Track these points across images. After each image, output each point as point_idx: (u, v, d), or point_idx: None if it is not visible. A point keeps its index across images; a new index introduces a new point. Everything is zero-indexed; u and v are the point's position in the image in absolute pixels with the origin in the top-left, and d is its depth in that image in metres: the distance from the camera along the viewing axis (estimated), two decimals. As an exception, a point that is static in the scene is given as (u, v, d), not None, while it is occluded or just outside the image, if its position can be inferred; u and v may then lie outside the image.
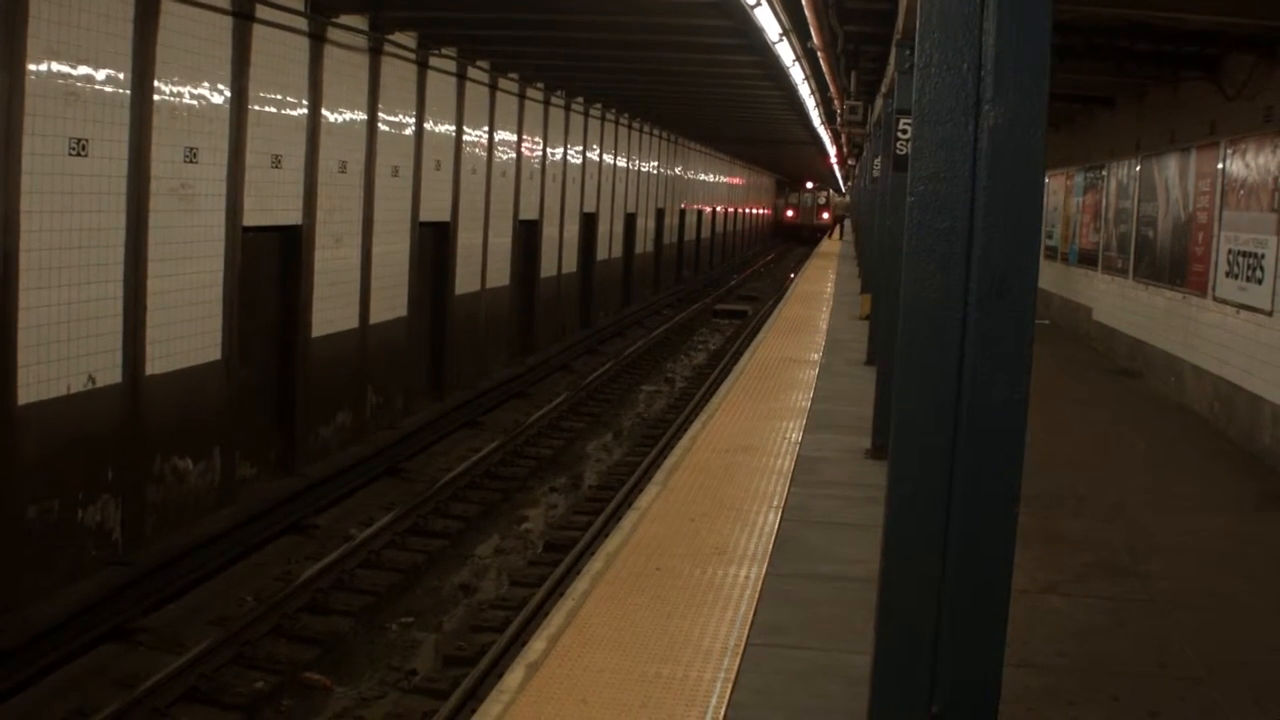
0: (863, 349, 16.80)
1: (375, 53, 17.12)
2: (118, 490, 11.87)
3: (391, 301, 18.46)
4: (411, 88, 18.72)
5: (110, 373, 11.73)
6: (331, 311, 16.44)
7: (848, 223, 67.38)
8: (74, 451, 11.25)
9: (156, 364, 12.42)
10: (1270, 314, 11.27)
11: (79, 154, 11.03)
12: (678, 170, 45.18)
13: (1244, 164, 12.16)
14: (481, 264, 22.84)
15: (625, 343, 29.99)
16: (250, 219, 14.05)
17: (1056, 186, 22.51)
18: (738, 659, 6.04)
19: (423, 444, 17.70)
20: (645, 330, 32.57)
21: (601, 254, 33.33)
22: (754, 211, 75.51)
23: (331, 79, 15.78)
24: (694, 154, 48.34)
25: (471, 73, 21.23)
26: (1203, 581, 7.30)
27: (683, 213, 47.22)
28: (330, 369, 16.37)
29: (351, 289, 17.12)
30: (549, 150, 27.25)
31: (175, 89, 12.47)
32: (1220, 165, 12.88)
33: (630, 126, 35.67)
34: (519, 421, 19.23)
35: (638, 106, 33.19)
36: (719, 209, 58.51)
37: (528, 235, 26.21)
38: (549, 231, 27.76)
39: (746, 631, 6.42)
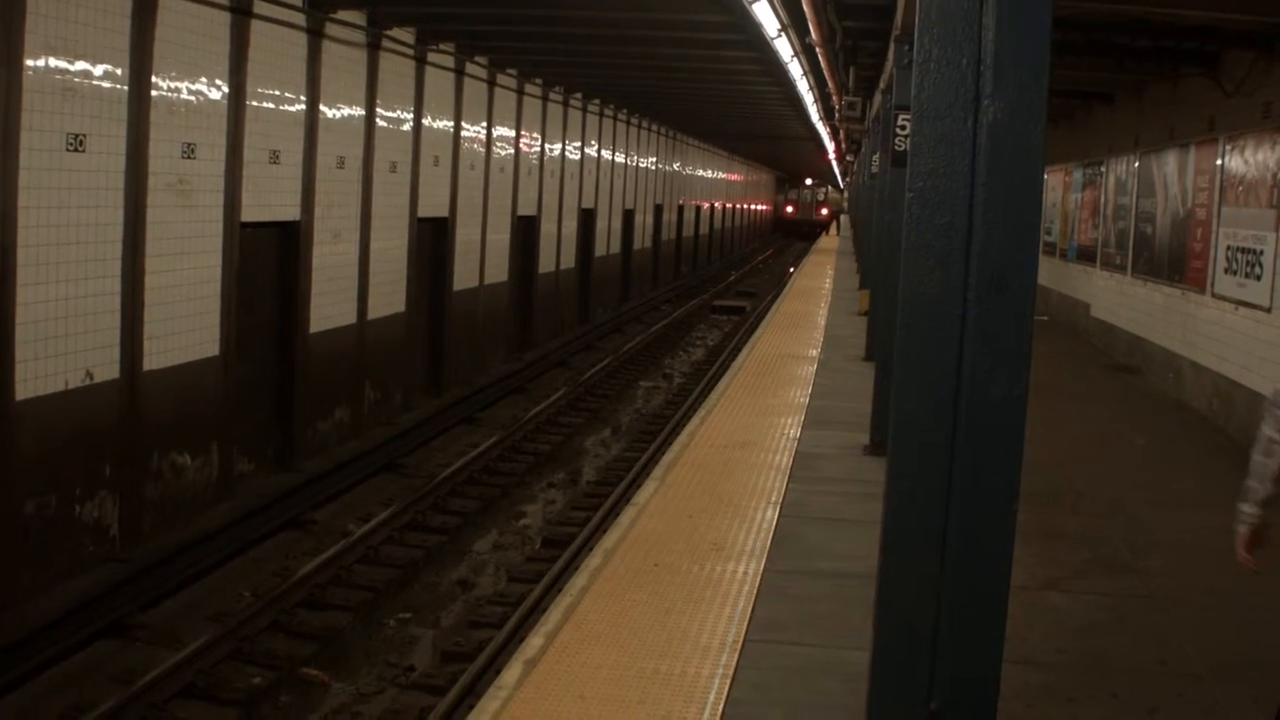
0: (861, 345, 16.80)
1: (373, 48, 17.10)
2: (115, 486, 11.86)
3: (389, 297, 18.44)
4: (410, 83, 18.70)
5: (108, 368, 11.72)
6: (329, 307, 16.42)
7: (844, 219, 67.78)
8: (72, 447, 11.24)
9: (154, 359, 12.40)
10: (1269, 310, 11.26)
11: (76, 150, 11.01)
12: (676, 166, 45.16)
13: (1243, 160, 12.15)
14: (480, 260, 22.82)
15: (624, 338, 29.98)
16: (248, 215, 14.04)
17: (1055, 182, 22.50)
18: (736, 655, 6.04)
19: (421, 439, 17.69)
20: (644, 326, 32.55)
21: (600, 250, 33.32)
22: (753, 207, 76.55)
23: (329, 74, 15.77)
24: (693, 150, 48.31)
25: (470, 68, 21.21)
26: (1202, 578, 7.29)
27: (681, 209, 47.20)
28: (328, 364, 16.36)
29: (349, 285, 17.10)
30: (547, 146, 27.23)
31: (173, 84, 12.45)
32: (1219, 161, 12.87)
33: (629, 122, 35.65)
34: (517, 417, 19.22)
35: (636, 102, 33.17)
36: (718, 205, 58.51)
37: (526, 231, 26.19)
38: (547, 227, 27.75)
39: (745, 628, 6.41)
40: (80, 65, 11.01)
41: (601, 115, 32.16)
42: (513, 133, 24.54)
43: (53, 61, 10.64)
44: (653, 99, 31.16)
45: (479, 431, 18.57)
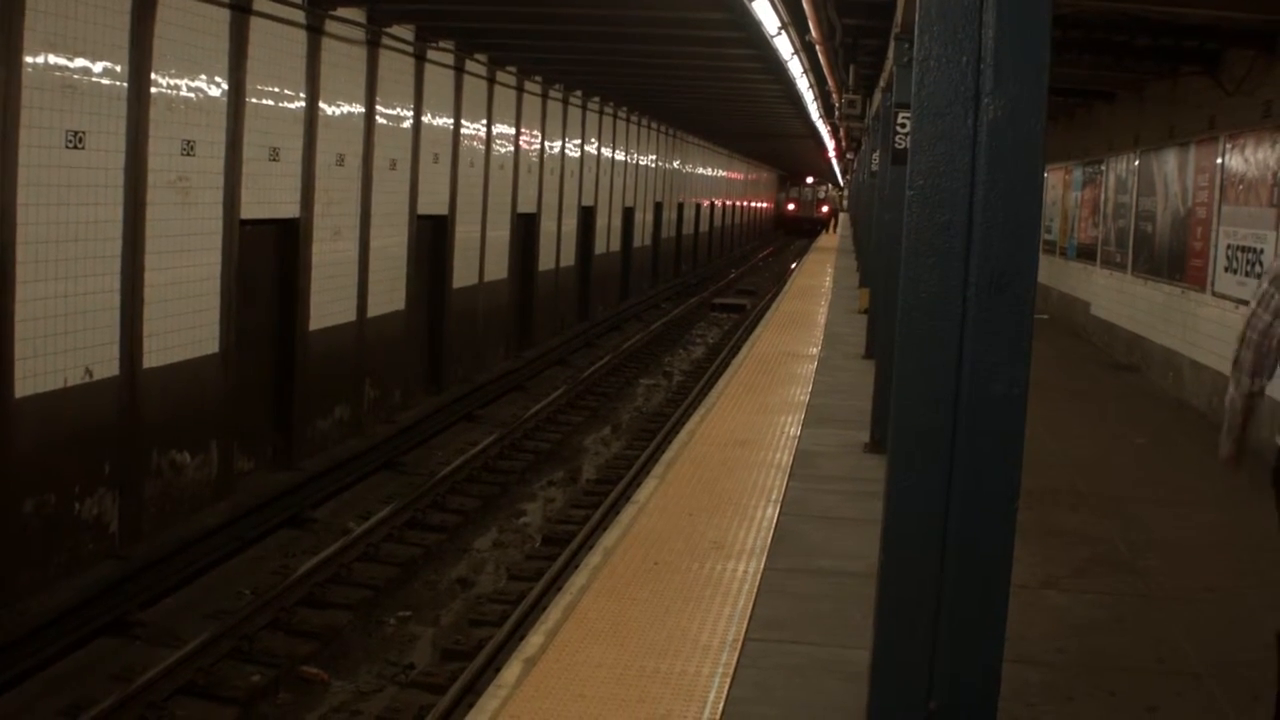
0: (861, 343, 16.80)
1: (373, 45, 17.10)
2: (115, 484, 11.86)
3: (389, 295, 18.44)
4: (409, 81, 18.70)
5: (107, 366, 11.72)
6: (329, 305, 16.42)
7: (843, 216, 68.14)
8: (71, 445, 11.24)
9: (154, 357, 12.40)
10: (1269, 309, 11.23)
11: (76, 147, 11.01)
12: (676, 164, 45.16)
13: (1243, 159, 12.14)
14: (479, 257, 22.83)
15: (623, 336, 29.99)
16: (248, 212, 14.04)
17: (1055, 181, 22.49)
18: (736, 654, 6.03)
19: (420, 437, 17.69)
20: (643, 324, 32.56)
21: (599, 248, 33.32)
22: (754, 205, 77.41)
23: (329, 72, 15.76)
24: (693, 148, 48.32)
25: (470, 66, 21.21)
26: (1201, 577, 7.29)
27: (681, 206, 47.21)
28: (328, 362, 16.35)
29: (349, 282, 17.10)
30: (547, 144, 27.23)
31: (172, 82, 12.45)
32: (1219, 160, 12.86)
33: (629, 120, 35.65)
34: (517, 415, 19.22)
35: (636, 100, 33.17)
36: (718, 203, 58.54)
37: (526, 229, 26.19)
38: (547, 225, 27.75)
39: (745, 626, 6.41)
40: (80, 62, 11.01)
41: (601, 113, 32.17)
42: (512, 130, 24.53)
43: (52, 58, 10.64)
44: (653, 97, 31.16)
45: (479, 429, 18.57)
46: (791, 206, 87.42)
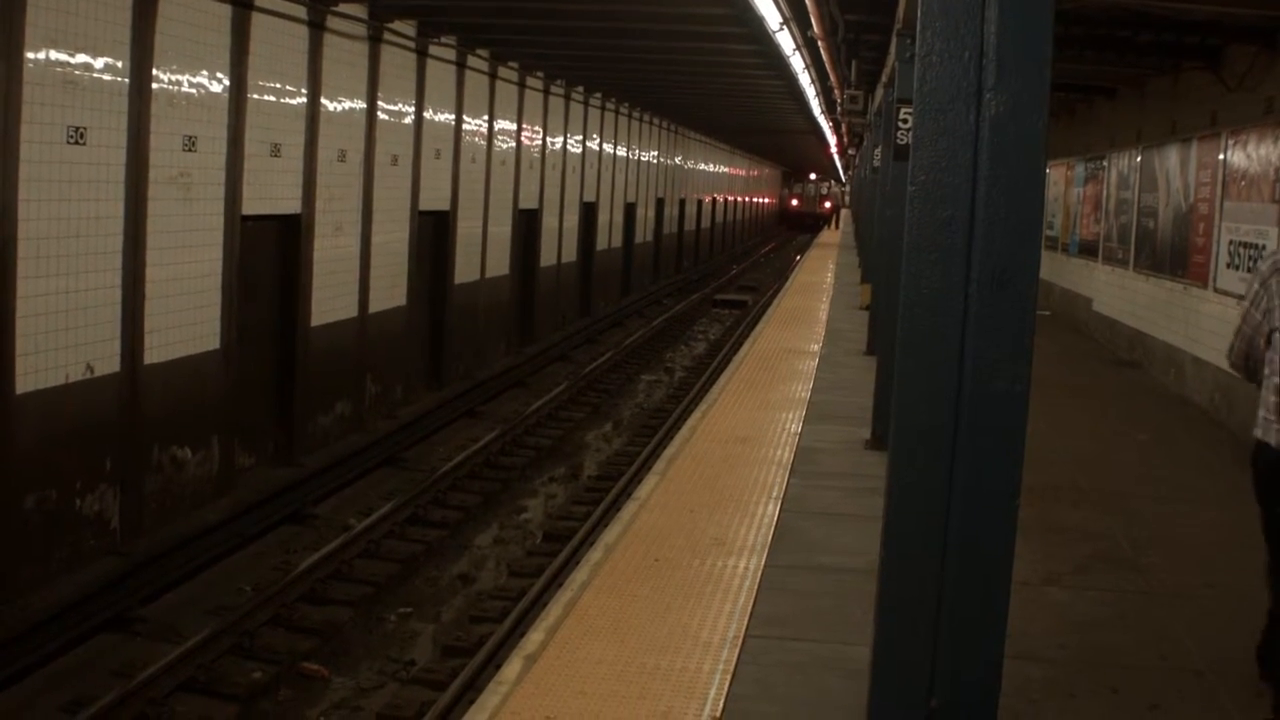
0: (863, 339, 16.78)
1: (374, 41, 17.09)
2: (116, 479, 11.86)
3: (391, 291, 18.43)
4: (411, 76, 18.69)
5: (108, 362, 11.71)
6: (330, 300, 16.42)
7: (844, 212, 68.50)
8: (72, 440, 11.24)
9: (155, 353, 12.40)
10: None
11: (77, 142, 11.00)
12: (678, 160, 45.15)
13: (1245, 155, 12.13)
14: (481, 253, 22.82)
15: (625, 333, 29.98)
16: (249, 208, 14.03)
17: (1057, 177, 22.47)
18: (736, 651, 6.02)
19: (422, 433, 17.69)
20: (645, 320, 32.56)
21: (601, 243, 33.32)
22: (757, 201, 78.15)
23: (331, 67, 15.75)
24: (695, 144, 48.31)
25: (471, 61, 21.19)
26: (1203, 573, 7.28)
27: (683, 202, 47.20)
28: (329, 358, 16.35)
29: (350, 278, 17.10)
30: (549, 139, 27.22)
31: (174, 77, 12.44)
32: (1221, 156, 12.84)
33: (630, 116, 35.64)
34: (518, 411, 19.21)
35: (638, 96, 33.16)
36: (720, 198, 58.55)
37: (527, 224, 26.19)
38: (549, 221, 27.75)
39: (745, 623, 6.40)
40: (81, 58, 11.00)
41: (603, 109, 32.15)
42: (514, 126, 24.52)
43: (53, 54, 10.63)
44: (654, 92, 31.15)
45: (480, 425, 18.56)
46: (795, 202, 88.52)
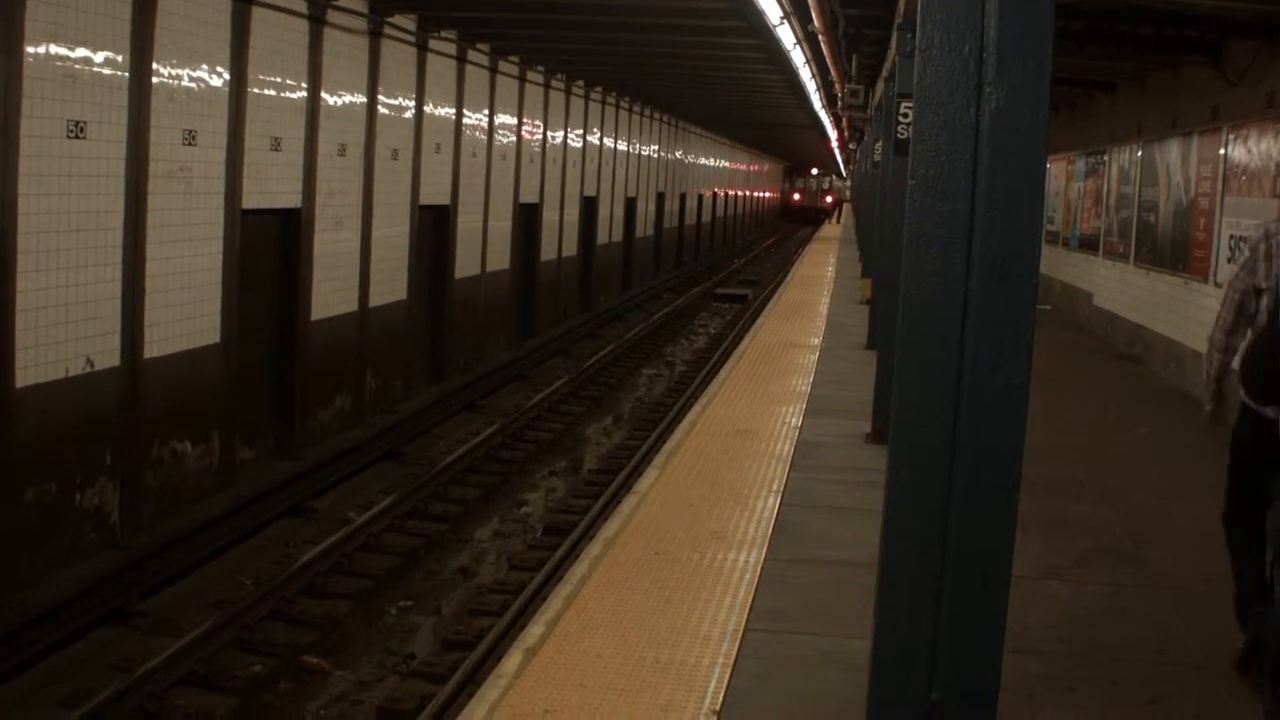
0: (863, 333, 16.78)
1: (375, 35, 17.08)
2: (116, 473, 11.86)
3: (391, 285, 18.43)
4: (411, 70, 18.68)
5: (108, 356, 11.71)
6: (331, 295, 16.42)
7: (845, 207, 68.89)
8: (72, 434, 11.24)
9: (155, 347, 12.40)
10: (1271, 299, 11.22)
11: (77, 136, 11.00)
12: (679, 155, 45.13)
13: (1246, 149, 12.12)
14: (481, 247, 22.82)
15: (625, 327, 29.97)
16: (249, 202, 14.02)
17: (1058, 171, 22.46)
18: (736, 644, 6.03)
19: (422, 427, 17.69)
20: (645, 314, 32.55)
21: (602, 238, 33.30)
22: (759, 195, 78.92)
23: (331, 62, 15.75)
24: (695, 139, 48.29)
25: (472, 56, 21.18)
26: (1203, 567, 7.26)
27: (683, 196, 47.18)
28: (329, 352, 16.35)
29: (351, 272, 17.09)
30: (549, 134, 27.21)
31: (174, 71, 12.43)
32: (1222, 151, 12.84)
33: (631, 110, 35.62)
34: (518, 405, 19.21)
35: (639, 90, 33.14)
36: (721, 193, 58.54)
37: (528, 219, 26.18)
38: (549, 215, 27.74)
39: (745, 617, 6.40)
40: (81, 52, 10.99)
41: (604, 103, 32.13)
42: (514, 120, 24.51)
43: (53, 48, 10.62)
44: (655, 87, 31.13)
45: (480, 419, 18.56)
46: (797, 196, 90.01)
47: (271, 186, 14.67)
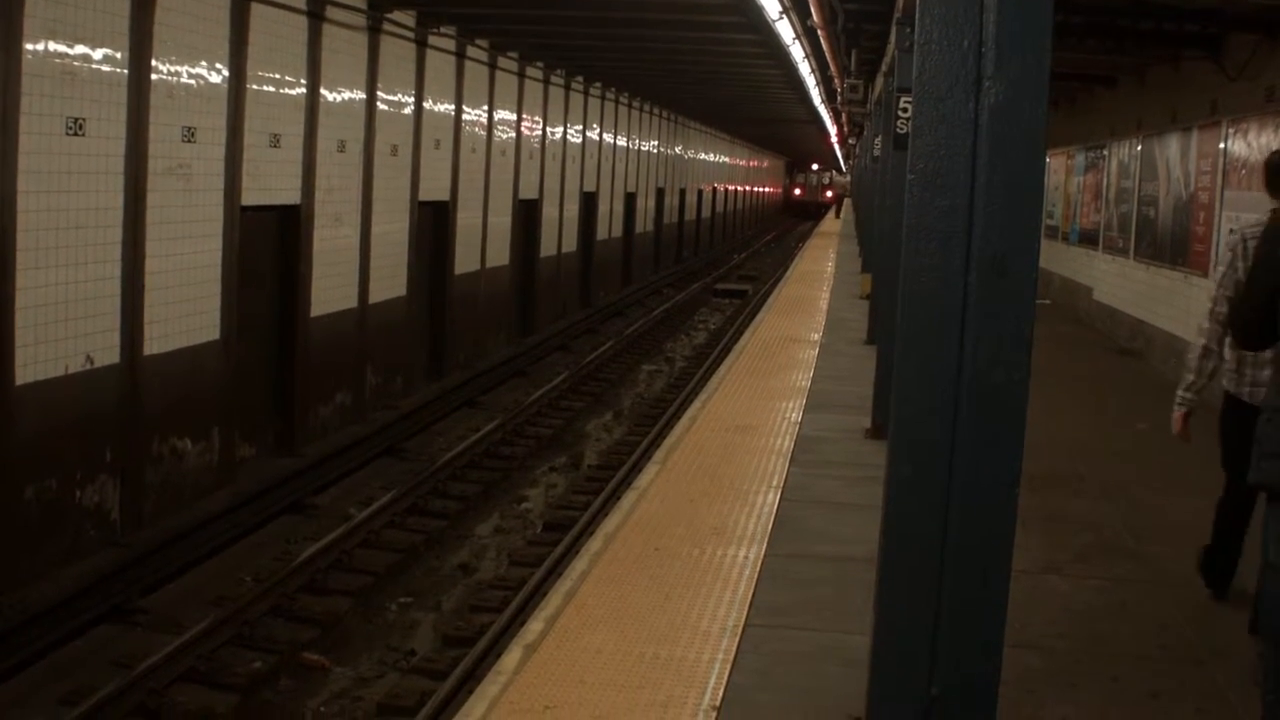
0: (863, 328, 16.78)
1: (374, 31, 17.06)
2: (116, 470, 11.86)
3: (390, 281, 18.43)
4: (410, 67, 18.67)
5: (108, 353, 11.70)
6: (330, 291, 16.41)
7: (846, 202, 69.30)
8: (72, 432, 11.23)
9: (154, 344, 12.39)
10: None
11: (76, 133, 10.99)
12: (678, 150, 45.12)
13: (1245, 144, 12.11)
14: (481, 243, 22.80)
15: (625, 322, 29.97)
16: (248, 198, 14.01)
17: (1057, 166, 22.45)
18: (736, 640, 6.02)
19: (422, 423, 17.69)
20: (645, 310, 32.54)
21: (601, 233, 33.30)
22: (760, 190, 79.86)
23: (330, 58, 15.73)
24: (695, 134, 48.28)
25: (471, 51, 21.17)
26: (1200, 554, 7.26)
27: (683, 192, 47.17)
28: (329, 349, 16.34)
29: (350, 268, 17.08)
30: (549, 129, 27.20)
31: (173, 68, 12.42)
32: (1222, 145, 12.83)
33: (630, 106, 35.60)
34: (518, 401, 19.21)
35: (638, 86, 33.13)
36: (721, 188, 58.55)
37: (527, 215, 26.17)
38: (549, 211, 27.73)
39: (745, 612, 6.40)
40: (80, 49, 10.98)
41: (603, 99, 32.12)
42: (514, 116, 24.50)
43: (52, 45, 10.61)
44: (654, 82, 31.10)
45: (480, 415, 18.56)
46: (798, 191, 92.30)
47: (271, 183, 14.66)
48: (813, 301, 22.20)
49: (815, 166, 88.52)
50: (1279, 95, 11.41)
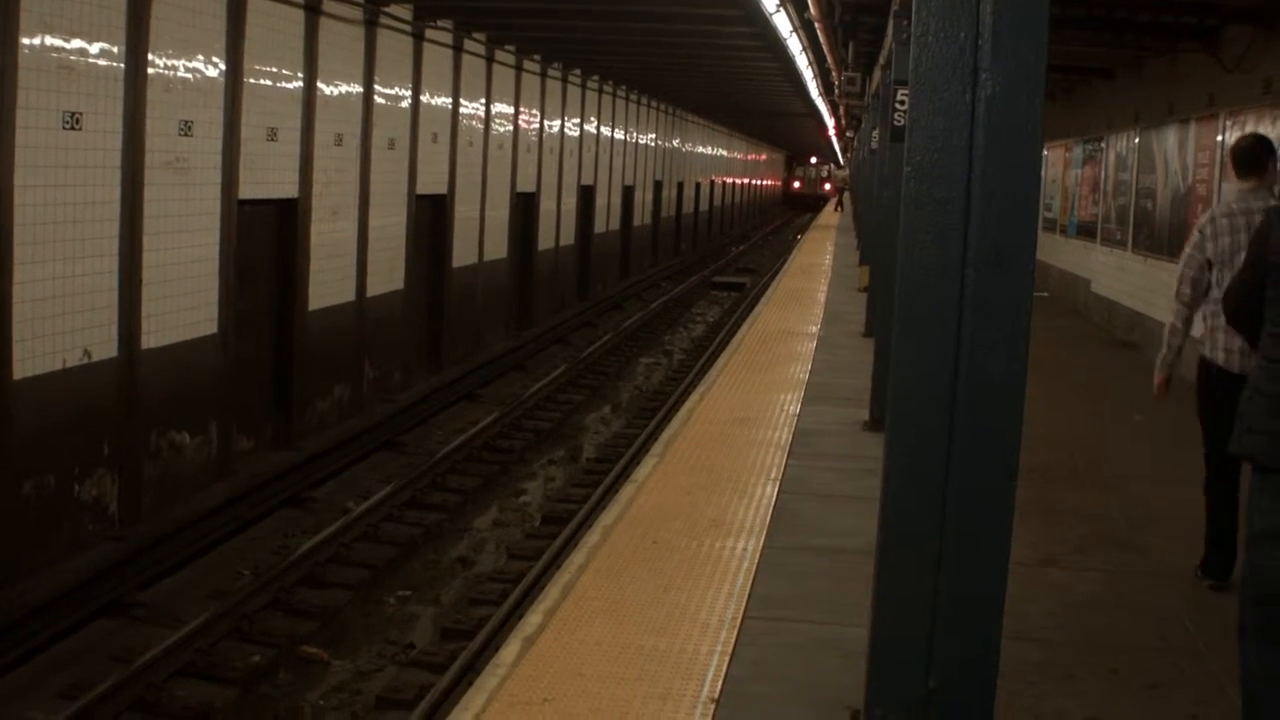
0: (861, 321, 16.78)
1: (371, 25, 17.04)
2: (114, 465, 11.86)
3: (388, 274, 18.42)
4: (408, 60, 18.65)
5: (106, 347, 11.70)
6: (328, 285, 16.40)
7: (847, 195, 69.80)
8: (70, 426, 11.23)
9: (152, 338, 12.39)
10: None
11: (73, 128, 10.98)
12: (676, 143, 45.09)
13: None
14: (479, 237, 22.80)
15: (623, 315, 29.96)
16: (246, 192, 14.00)
17: (1055, 158, 22.45)
18: (734, 632, 6.02)
19: (420, 417, 17.69)
20: (643, 303, 32.54)
21: (599, 227, 33.29)
22: (759, 183, 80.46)
23: (327, 51, 15.72)
24: (693, 127, 48.25)
25: (468, 45, 21.15)
26: (1201, 553, 7.27)
27: (681, 185, 47.15)
28: (327, 342, 16.34)
29: (348, 262, 17.08)
30: (546, 123, 27.19)
31: (170, 62, 12.41)
32: (1219, 137, 12.82)
33: (628, 99, 35.58)
34: (517, 394, 19.21)
35: (635, 79, 33.10)
36: (719, 180, 58.53)
37: (525, 208, 26.16)
38: (546, 204, 27.72)
39: (743, 604, 6.40)
40: (76, 43, 10.96)
41: (600, 92, 32.10)
42: (511, 109, 24.49)
43: (49, 39, 10.59)
44: (652, 75, 31.09)
45: (479, 409, 18.56)
46: (797, 184, 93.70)
47: (268, 177, 14.65)
48: (811, 294, 22.20)
49: (814, 160, 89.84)
50: (1276, 87, 11.41)
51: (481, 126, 22.60)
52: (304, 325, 15.82)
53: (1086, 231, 19.85)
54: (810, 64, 24.36)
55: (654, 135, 40.51)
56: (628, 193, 36.88)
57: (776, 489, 8.70)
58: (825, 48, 18.75)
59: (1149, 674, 5.76)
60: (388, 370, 18.58)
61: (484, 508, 14.06)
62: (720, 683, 5.46)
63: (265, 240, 15.14)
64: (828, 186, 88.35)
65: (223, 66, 13.37)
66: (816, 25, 16.27)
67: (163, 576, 11.07)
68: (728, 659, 5.71)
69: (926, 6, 3.65)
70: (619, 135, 34.96)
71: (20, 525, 10.61)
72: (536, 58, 25.59)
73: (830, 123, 44.48)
